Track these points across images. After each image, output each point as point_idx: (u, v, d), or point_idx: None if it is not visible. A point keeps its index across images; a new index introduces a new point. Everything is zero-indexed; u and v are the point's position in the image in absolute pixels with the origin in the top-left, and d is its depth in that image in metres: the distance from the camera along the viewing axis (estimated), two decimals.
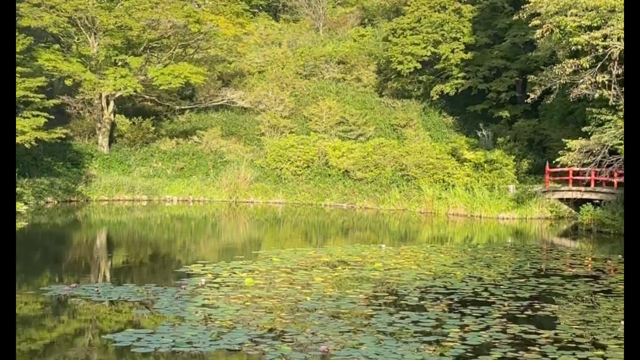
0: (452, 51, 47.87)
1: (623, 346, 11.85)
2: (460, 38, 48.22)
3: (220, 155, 46.18)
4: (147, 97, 48.57)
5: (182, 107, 50.74)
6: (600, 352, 11.61)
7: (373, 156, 42.49)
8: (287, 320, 13.39)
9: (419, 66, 49.44)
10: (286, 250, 22.89)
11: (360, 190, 41.55)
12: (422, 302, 15.21)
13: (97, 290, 15.76)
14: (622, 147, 29.46)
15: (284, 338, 12.13)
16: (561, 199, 36.25)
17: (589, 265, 21.76)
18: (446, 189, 39.09)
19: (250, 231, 31.46)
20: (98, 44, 45.66)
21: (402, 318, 13.66)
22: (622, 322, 13.57)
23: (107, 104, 46.45)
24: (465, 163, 40.21)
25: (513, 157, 40.37)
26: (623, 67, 27.40)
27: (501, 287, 17.16)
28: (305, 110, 49.48)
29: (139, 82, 44.68)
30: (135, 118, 48.02)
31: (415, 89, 51.33)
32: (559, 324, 13.62)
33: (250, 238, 28.95)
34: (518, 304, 15.19)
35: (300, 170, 44.23)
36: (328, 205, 41.48)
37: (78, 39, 45.93)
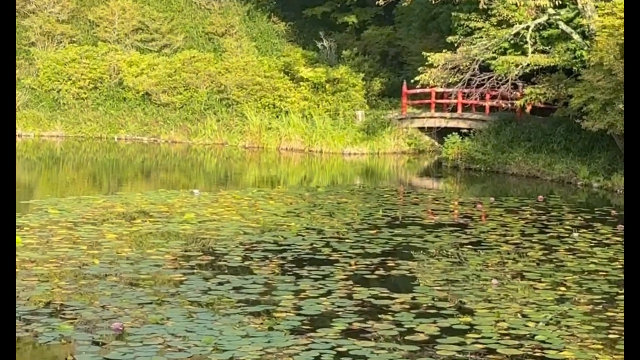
0: None
1: (497, 312, 12.46)
2: None
3: None
4: None
5: None
6: (467, 319, 12.11)
7: (182, 74, 42.16)
8: (69, 291, 13.24)
9: None
10: (67, 199, 22.56)
11: (165, 119, 41.24)
12: (246, 263, 15.39)
13: None
14: (495, 61, 30.52)
15: (65, 314, 11.99)
16: (421, 128, 37.30)
17: (455, 211, 22.64)
18: (278, 117, 39.37)
19: (17, 174, 30.67)
20: None
21: (220, 284, 13.78)
22: (494, 281, 14.22)
23: None
24: (301, 83, 40.56)
25: (362, 75, 41.05)
26: None
27: (347, 241, 17.55)
28: (90, 12, 48.24)
29: None
30: None
31: None
32: (418, 285, 14.10)
33: (18, 183, 28.20)
34: (367, 262, 15.60)
35: (85, 93, 43.37)
36: (123, 138, 41.00)
37: None
